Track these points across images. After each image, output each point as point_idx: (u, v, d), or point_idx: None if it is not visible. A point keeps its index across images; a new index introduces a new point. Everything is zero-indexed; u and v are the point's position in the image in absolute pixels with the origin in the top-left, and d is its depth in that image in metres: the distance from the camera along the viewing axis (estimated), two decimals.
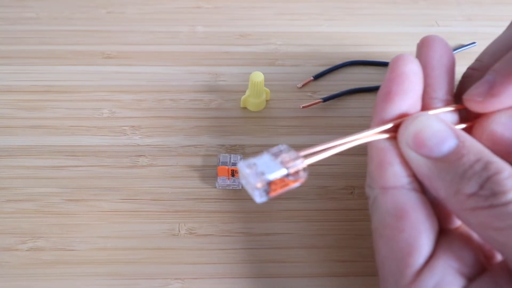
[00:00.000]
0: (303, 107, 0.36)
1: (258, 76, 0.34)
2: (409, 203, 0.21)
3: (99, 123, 0.35)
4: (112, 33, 0.41)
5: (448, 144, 0.21)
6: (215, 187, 0.31)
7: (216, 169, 0.31)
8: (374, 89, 0.37)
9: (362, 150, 0.33)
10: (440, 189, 0.21)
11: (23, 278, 0.27)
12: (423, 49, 0.25)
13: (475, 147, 0.21)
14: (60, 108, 0.35)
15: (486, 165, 0.20)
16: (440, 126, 0.21)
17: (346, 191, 0.31)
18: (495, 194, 0.19)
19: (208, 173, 0.32)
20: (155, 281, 0.27)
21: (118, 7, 0.44)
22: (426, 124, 0.21)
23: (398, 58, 0.23)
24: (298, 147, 0.34)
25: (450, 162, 0.20)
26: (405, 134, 0.22)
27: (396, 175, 0.22)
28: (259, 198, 0.21)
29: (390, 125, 0.23)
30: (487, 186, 0.19)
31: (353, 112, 0.36)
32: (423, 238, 0.21)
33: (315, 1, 0.45)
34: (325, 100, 0.36)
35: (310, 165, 0.33)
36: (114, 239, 0.29)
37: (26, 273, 0.27)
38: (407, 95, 0.23)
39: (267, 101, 0.36)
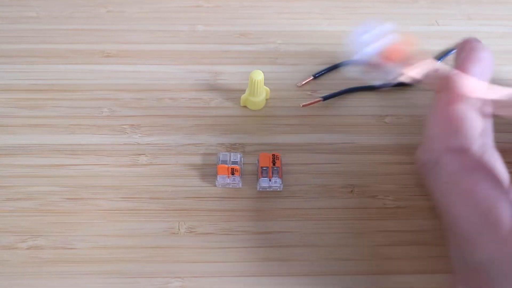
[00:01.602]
0: (303, 105, 0.36)
1: (258, 75, 0.34)
2: (477, 158, 0.24)
3: (99, 121, 0.35)
4: (112, 32, 0.41)
5: None
6: (215, 186, 0.31)
7: (216, 168, 0.31)
8: (373, 88, 0.37)
9: (362, 150, 0.34)
10: None
11: (23, 276, 0.27)
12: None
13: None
14: (60, 107, 0.35)
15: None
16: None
17: (346, 190, 0.31)
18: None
19: (208, 172, 0.32)
20: (155, 280, 0.27)
21: (118, 6, 0.44)
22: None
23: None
24: (298, 146, 0.34)
25: None
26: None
27: (469, 138, 0.24)
28: None
29: None
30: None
31: (353, 111, 0.36)
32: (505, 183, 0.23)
33: (315, 0, 0.45)
34: (325, 98, 0.36)
35: (309, 164, 0.33)
36: (114, 238, 0.29)
37: (26, 271, 0.27)
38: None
39: (267, 99, 0.36)
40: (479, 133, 0.25)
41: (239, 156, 0.32)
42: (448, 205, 0.24)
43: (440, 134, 0.25)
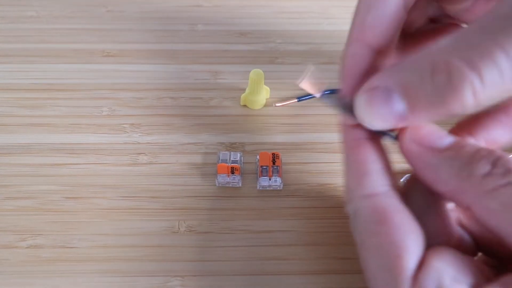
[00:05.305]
0: (276, 105, 0.36)
1: (258, 74, 0.34)
2: (389, 206, 0.21)
3: (99, 121, 0.35)
4: (112, 31, 0.41)
5: (447, 139, 0.21)
6: (215, 185, 0.31)
7: (216, 167, 0.31)
8: None
9: None
10: (450, 178, 0.20)
11: (22, 275, 0.27)
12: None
13: (471, 142, 0.21)
14: (60, 106, 0.35)
15: (490, 151, 0.20)
16: (435, 128, 0.22)
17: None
18: (510, 170, 0.19)
19: (208, 171, 0.32)
20: (154, 279, 0.27)
21: (118, 6, 0.44)
22: (423, 126, 0.22)
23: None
24: (298, 145, 0.34)
25: (455, 150, 0.20)
26: (407, 134, 0.22)
27: (374, 183, 0.22)
28: None
29: None
30: (500, 164, 0.19)
31: None
32: (409, 239, 0.20)
33: (315, 0, 0.45)
34: (299, 99, 0.36)
35: (309, 163, 0.33)
36: (113, 237, 0.29)
37: (25, 270, 0.27)
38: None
39: (267, 99, 0.36)
40: (385, 171, 0.22)
41: (239, 155, 0.32)
42: (363, 257, 0.21)
43: (352, 182, 0.22)
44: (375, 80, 0.20)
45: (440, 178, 0.21)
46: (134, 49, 0.40)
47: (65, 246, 0.28)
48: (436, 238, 0.22)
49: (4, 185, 0.31)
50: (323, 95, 0.24)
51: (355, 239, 0.22)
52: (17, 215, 0.29)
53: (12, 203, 0.30)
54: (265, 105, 0.36)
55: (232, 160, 0.32)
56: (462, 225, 0.24)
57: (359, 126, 0.22)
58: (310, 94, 0.37)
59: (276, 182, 0.31)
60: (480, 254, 0.24)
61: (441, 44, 0.19)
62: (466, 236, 0.24)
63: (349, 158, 0.23)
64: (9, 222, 0.29)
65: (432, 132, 0.21)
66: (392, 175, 0.23)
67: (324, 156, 0.33)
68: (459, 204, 0.21)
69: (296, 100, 0.36)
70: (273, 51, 0.40)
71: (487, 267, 0.21)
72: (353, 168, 0.22)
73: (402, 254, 0.20)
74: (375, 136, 0.23)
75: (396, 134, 0.23)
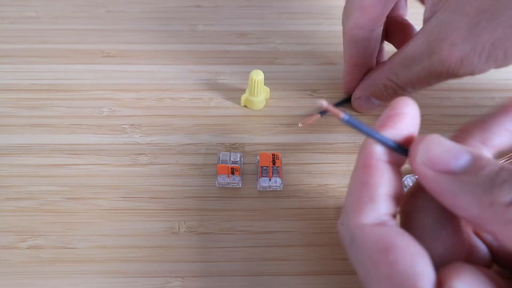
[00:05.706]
0: (301, 125, 0.34)
1: (258, 75, 0.34)
2: (392, 233, 0.20)
3: (99, 121, 0.35)
4: (112, 31, 0.41)
5: (463, 158, 0.20)
6: (215, 185, 0.31)
7: (216, 167, 0.31)
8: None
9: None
10: (471, 206, 0.19)
11: (22, 276, 0.27)
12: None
13: (490, 159, 0.19)
14: (60, 107, 0.35)
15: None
16: (450, 143, 0.20)
17: (346, 189, 0.31)
18: None
19: (208, 171, 0.32)
20: (155, 279, 0.27)
21: (118, 6, 0.44)
22: (436, 141, 0.20)
23: (400, 99, 0.22)
24: (298, 146, 0.34)
25: (473, 173, 0.19)
26: (418, 154, 0.20)
27: (377, 212, 0.20)
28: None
29: None
30: None
31: (353, 111, 0.36)
32: (420, 264, 0.19)
33: (315, 0, 0.45)
34: (322, 114, 0.35)
35: (309, 164, 0.33)
36: (114, 237, 0.29)
37: (25, 271, 0.27)
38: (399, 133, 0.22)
39: (267, 99, 0.36)
40: (393, 197, 0.21)
41: (239, 155, 0.32)
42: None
43: (352, 205, 0.21)
44: (358, 92, 0.35)
45: (460, 205, 0.19)
46: (134, 49, 0.40)
47: (65, 247, 0.28)
48: (452, 253, 0.21)
49: (4, 186, 0.31)
50: (346, 119, 0.21)
51: (356, 268, 0.21)
52: (17, 215, 0.30)
53: (12, 203, 0.30)
54: (265, 106, 0.36)
55: (232, 161, 0.32)
56: (477, 234, 0.23)
57: (379, 144, 0.21)
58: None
59: (276, 182, 0.31)
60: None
61: (385, 68, 0.33)
62: (482, 246, 0.23)
63: (359, 176, 0.21)
64: (9, 223, 0.29)
65: (446, 150, 0.20)
66: (397, 202, 0.21)
67: (324, 157, 0.33)
68: (483, 230, 0.20)
69: (319, 115, 0.35)
70: (273, 51, 0.40)
71: (503, 280, 0.20)
72: (359, 189, 0.21)
73: (418, 281, 0.19)
74: (395, 158, 0.22)
75: (407, 150, 0.22)
